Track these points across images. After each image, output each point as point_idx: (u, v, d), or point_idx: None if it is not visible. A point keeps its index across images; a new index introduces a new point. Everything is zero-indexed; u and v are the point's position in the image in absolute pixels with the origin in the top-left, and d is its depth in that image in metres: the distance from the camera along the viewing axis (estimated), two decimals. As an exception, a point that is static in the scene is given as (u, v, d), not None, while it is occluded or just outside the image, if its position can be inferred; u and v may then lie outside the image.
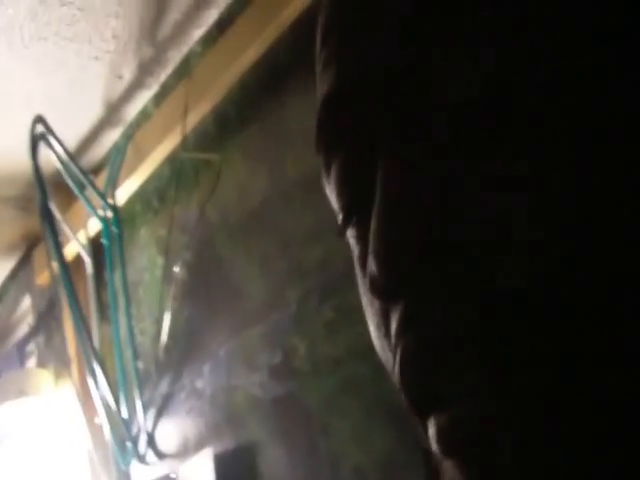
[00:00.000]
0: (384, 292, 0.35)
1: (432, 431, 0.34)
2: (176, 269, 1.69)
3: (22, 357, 2.41)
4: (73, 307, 1.74)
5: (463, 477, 0.34)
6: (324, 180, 0.42)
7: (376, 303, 0.37)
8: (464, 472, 0.34)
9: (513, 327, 0.32)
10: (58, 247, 1.72)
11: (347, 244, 1.25)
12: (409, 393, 0.35)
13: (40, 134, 1.67)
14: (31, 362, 2.39)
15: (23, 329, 2.48)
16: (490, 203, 0.32)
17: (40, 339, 2.33)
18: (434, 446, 0.35)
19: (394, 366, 0.36)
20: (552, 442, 0.31)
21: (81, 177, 1.76)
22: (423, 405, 0.35)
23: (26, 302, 2.46)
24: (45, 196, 1.71)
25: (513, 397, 0.32)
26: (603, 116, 0.32)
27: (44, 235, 1.73)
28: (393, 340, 0.36)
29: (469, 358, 0.32)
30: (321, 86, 0.41)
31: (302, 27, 1.43)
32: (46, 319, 2.27)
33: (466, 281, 0.32)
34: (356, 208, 0.39)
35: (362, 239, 0.39)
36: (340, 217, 0.40)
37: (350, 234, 0.41)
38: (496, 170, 0.33)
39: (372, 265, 0.34)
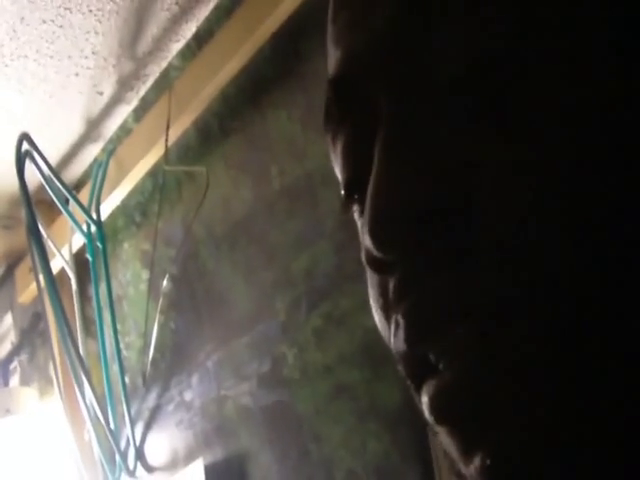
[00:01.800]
0: (377, 261, 0.34)
1: (424, 400, 0.34)
2: (164, 283, 1.69)
3: (5, 376, 2.40)
4: (60, 322, 1.74)
5: (454, 445, 0.34)
6: (332, 157, 0.42)
7: (375, 277, 0.37)
8: (455, 439, 0.34)
9: (510, 293, 0.32)
10: (46, 263, 1.71)
11: (335, 249, 1.26)
12: (404, 362, 0.36)
13: (25, 152, 1.67)
14: (14, 380, 2.38)
15: (5, 348, 2.47)
16: (490, 171, 0.32)
17: (23, 357, 2.32)
18: (427, 415, 0.35)
19: (390, 337, 0.36)
20: (540, 402, 0.31)
21: (66, 193, 1.76)
22: (417, 374, 0.35)
23: (7, 321, 2.45)
24: (32, 213, 1.71)
25: (503, 359, 0.32)
26: (618, 97, 0.32)
27: (31, 252, 1.73)
28: (389, 310, 0.36)
29: (461, 325, 0.32)
30: (329, 64, 0.41)
31: (283, 39, 1.44)
32: (30, 336, 2.27)
33: (463, 248, 0.32)
34: (358, 183, 0.38)
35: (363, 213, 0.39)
36: (343, 192, 0.40)
37: (353, 209, 0.41)
38: (497, 140, 0.33)
39: (366, 234, 0.34)
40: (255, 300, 1.50)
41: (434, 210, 0.32)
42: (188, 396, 1.67)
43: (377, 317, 0.38)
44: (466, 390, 0.33)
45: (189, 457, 1.64)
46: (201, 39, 1.64)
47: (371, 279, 0.38)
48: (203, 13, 1.63)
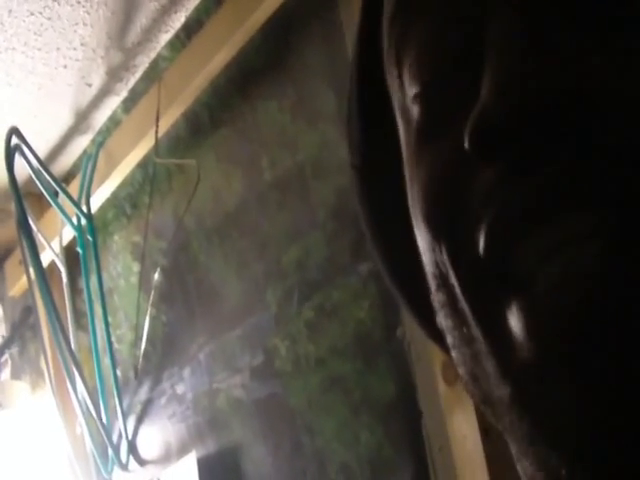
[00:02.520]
0: (489, 143, 0.30)
1: (517, 314, 0.30)
2: (155, 275, 1.69)
3: (-4, 369, 2.39)
4: (51, 315, 1.73)
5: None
6: (388, 66, 0.39)
7: (453, 165, 0.33)
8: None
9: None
10: (36, 256, 1.71)
11: (326, 240, 1.25)
12: (494, 264, 0.31)
13: (14, 145, 1.66)
14: (5, 374, 2.37)
15: (-5, 341, 2.46)
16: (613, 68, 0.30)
17: (14, 350, 2.31)
18: (517, 330, 0.30)
19: (477, 237, 0.32)
20: None
21: (55, 186, 1.75)
22: (510, 281, 0.31)
23: (-3, 314, 2.44)
24: (22, 207, 1.70)
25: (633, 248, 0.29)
26: None
27: (21, 245, 1.72)
28: (480, 203, 0.32)
29: (580, 213, 0.29)
30: None
31: (273, 30, 1.44)
32: (20, 330, 2.26)
33: (591, 137, 0.30)
34: (465, 55, 0.34)
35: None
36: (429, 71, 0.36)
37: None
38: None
39: (487, 100, 0.30)
40: (247, 292, 1.50)
41: (567, 97, 0.30)
42: (180, 389, 1.66)
43: (429, 220, 0.35)
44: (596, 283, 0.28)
45: (182, 450, 1.63)
46: (190, 29, 1.63)
47: (441, 169, 0.34)
48: (192, 3, 1.62)
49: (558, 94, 0.30)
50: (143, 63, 1.76)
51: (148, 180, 1.76)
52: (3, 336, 2.37)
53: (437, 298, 0.36)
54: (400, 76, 0.38)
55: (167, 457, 1.69)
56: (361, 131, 0.45)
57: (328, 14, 1.33)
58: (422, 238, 0.36)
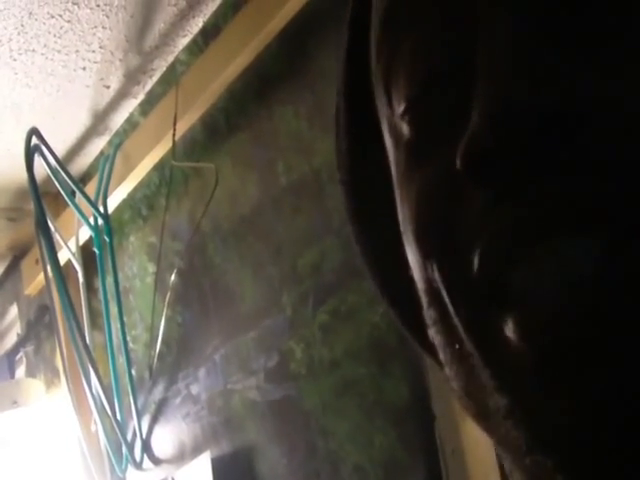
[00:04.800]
0: (485, 160, 0.31)
1: (513, 327, 0.31)
2: (171, 276, 1.70)
3: (11, 367, 2.41)
4: (67, 314, 1.75)
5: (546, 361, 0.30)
6: (377, 89, 0.39)
7: (445, 185, 0.33)
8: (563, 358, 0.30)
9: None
10: (54, 256, 1.72)
11: (341, 245, 1.26)
12: (489, 283, 0.31)
13: (34, 146, 1.68)
14: (20, 372, 2.39)
15: (11, 339, 2.48)
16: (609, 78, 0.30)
17: (29, 348, 2.33)
18: (515, 342, 0.31)
19: (470, 258, 0.32)
20: None
21: (73, 186, 1.77)
22: (505, 297, 0.31)
23: (13, 312, 2.46)
24: (41, 207, 1.72)
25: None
26: None
27: (39, 244, 1.74)
28: (473, 222, 0.32)
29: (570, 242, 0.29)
30: None
31: (290, 36, 1.45)
32: (36, 328, 2.28)
33: (590, 155, 0.29)
34: (442, 76, 0.35)
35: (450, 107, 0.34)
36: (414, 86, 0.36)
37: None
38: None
39: (477, 126, 0.30)
40: (262, 295, 1.51)
41: (555, 115, 0.30)
42: (195, 389, 1.68)
43: (421, 232, 0.35)
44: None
45: (196, 450, 1.65)
46: (208, 34, 1.64)
47: (438, 188, 0.34)
48: (210, 8, 1.63)
49: (549, 115, 0.30)
50: (161, 67, 1.77)
51: (164, 182, 1.77)
52: (19, 334, 2.39)
53: (429, 314, 0.36)
54: (388, 92, 0.38)
55: (181, 457, 1.70)
56: (349, 147, 0.45)
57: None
58: (413, 255, 0.37)
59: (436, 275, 0.34)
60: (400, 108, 0.37)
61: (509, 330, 0.31)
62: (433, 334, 0.36)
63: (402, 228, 0.38)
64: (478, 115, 0.31)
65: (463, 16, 0.34)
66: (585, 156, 0.29)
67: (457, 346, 0.34)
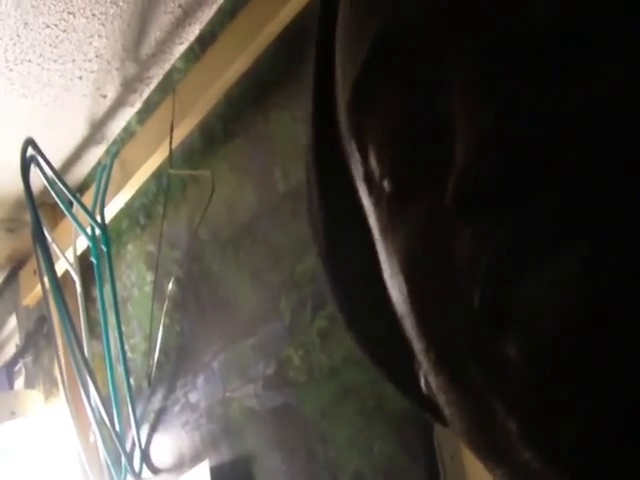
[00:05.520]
0: (472, 203, 0.32)
1: (516, 349, 0.31)
2: (169, 285, 1.70)
3: (10, 378, 2.41)
4: (65, 324, 1.75)
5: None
6: (350, 150, 0.39)
7: (436, 220, 0.34)
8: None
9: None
10: (51, 266, 1.72)
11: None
12: (491, 311, 0.32)
13: (30, 156, 1.68)
14: (19, 382, 2.39)
15: (10, 350, 2.47)
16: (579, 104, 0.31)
17: (28, 359, 2.33)
18: (515, 367, 0.31)
19: (467, 284, 0.32)
20: None
21: (70, 196, 1.77)
22: (501, 322, 0.32)
23: (12, 323, 2.46)
24: (37, 218, 1.71)
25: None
26: None
27: (36, 255, 1.74)
28: (468, 255, 0.33)
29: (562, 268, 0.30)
30: (366, 22, 0.38)
31: (286, 41, 1.45)
32: (34, 339, 2.27)
33: (563, 181, 0.30)
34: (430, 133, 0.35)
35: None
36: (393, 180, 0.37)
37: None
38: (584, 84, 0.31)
39: (464, 164, 0.31)
40: (260, 302, 1.51)
41: (531, 146, 0.31)
42: (193, 398, 1.67)
43: (418, 275, 0.35)
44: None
45: (195, 459, 1.64)
46: (204, 42, 1.64)
47: (425, 229, 0.35)
48: (206, 16, 1.63)
49: (528, 142, 0.31)
50: (157, 75, 1.77)
51: (162, 191, 1.77)
52: (17, 345, 2.38)
53: (428, 357, 0.36)
54: (362, 151, 0.38)
55: (180, 465, 1.70)
56: (324, 219, 0.45)
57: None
58: (404, 305, 0.37)
59: (434, 315, 0.35)
60: (378, 167, 0.37)
61: (513, 353, 0.31)
62: (432, 378, 0.37)
63: (389, 284, 0.38)
64: (463, 153, 0.32)
65: (433, 70, 0.35)
66: (572, 181, 0.30)
67: (462, 381, 0.35)
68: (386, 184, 0.37)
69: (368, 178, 0.39)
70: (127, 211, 1.89)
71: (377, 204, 0.38)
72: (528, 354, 0.31)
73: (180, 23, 1.65)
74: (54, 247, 1.84)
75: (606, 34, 0.32)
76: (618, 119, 0.31)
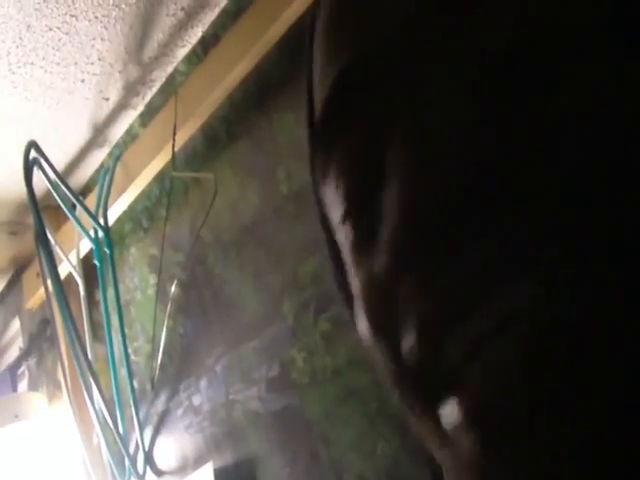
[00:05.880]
0: (408, 254, 0.33)
1: (454, 410, 0.32)
2: (172, 287, 1.70)
3: (14, 381, 2.41)
4: (68, 327, 1.74)
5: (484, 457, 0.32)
6: (319, 178, 0.42)
7: (378, 283, 0.36)
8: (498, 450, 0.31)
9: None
10: (54, 269, 1.72)
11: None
12: (424, 373, 0.33)
13: (33, 159, 1.68)
14: (22, 385, 2.39)
15: (13, 353, 2.47)
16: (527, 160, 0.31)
17: (32, 362, 2.33)
18: (456, 425, 0.32)
19: (404, 345, 0.33)
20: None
21: (73, 199, 1.77)
22: (440, 384, 0.33)
23: (15, 326, 2.46)
24: (40, 220, 1.71)
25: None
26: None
27: (39, 258, 1.74)
28: (400, 315, 0.34)
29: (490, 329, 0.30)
30: (325, 73, 0.40)
31: (289, 43, 1.45)
32: (37, 341, 2.27)
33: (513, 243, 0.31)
34: (371, 191, 0.37)
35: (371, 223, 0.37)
36: (347, 206, 0.39)
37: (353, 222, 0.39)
38: (531, 123, 0.32)
39: (392, 228, 0.33)
40: (263, 304, 1.51)
41: (481, 195, 0.31)
42: (197, 400, 1.67)
43: (371, 335, 0.37)
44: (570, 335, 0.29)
45: (198, 461, 1.64)
46: (207, 44, 1.64)
47: (370, 290, 0.37)
48: (209, 18, 1.63)
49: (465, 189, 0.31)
50: (160, 77, 1.78)
51: (165, 193, 1.77)
52: (21, 348, 2.38)
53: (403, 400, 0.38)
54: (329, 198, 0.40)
55: (184, 468, 1.69)
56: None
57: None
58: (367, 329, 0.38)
59: (384, 359, 0.37)
60: (338, 215, 0.40)
61: (453, 413, 0.32)
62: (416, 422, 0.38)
63: (355, 301, 0.40)
64: (393, 216, 0.33)
65: (383, 121, 0.36)
66: (509, 222, 0.31)
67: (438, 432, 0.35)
68: (348, 230, 0.39)
69: (334, 222, 0.41)
70: (130, 214, 1.89)
71: (345, 242, 0.40)
72: (470, 421, 0.31)
73: (182, 26, 1.65)
74: (57, 250, 1.84)
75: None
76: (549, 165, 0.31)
